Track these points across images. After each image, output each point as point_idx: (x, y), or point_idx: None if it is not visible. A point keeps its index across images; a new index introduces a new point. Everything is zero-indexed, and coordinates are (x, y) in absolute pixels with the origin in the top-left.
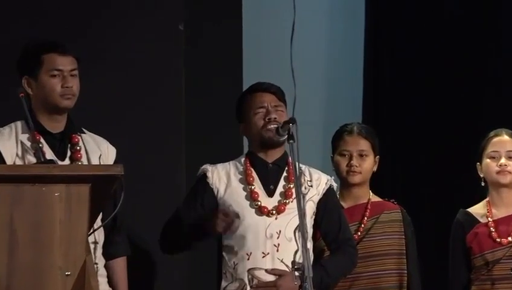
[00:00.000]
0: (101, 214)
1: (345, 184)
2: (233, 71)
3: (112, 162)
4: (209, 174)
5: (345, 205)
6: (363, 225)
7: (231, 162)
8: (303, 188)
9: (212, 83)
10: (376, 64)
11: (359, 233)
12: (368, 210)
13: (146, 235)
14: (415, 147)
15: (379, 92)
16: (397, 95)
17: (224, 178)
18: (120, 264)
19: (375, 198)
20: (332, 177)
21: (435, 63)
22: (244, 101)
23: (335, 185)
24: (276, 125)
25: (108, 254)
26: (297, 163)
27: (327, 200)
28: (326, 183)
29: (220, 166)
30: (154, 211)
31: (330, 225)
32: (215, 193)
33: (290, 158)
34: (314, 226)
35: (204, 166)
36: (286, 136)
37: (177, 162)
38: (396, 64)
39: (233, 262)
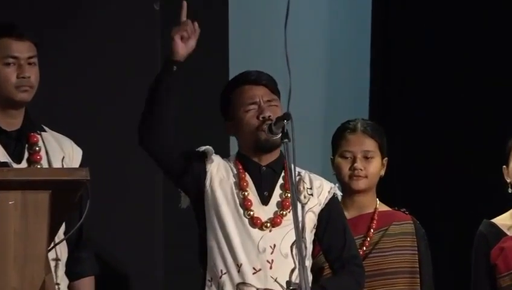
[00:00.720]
0: (63, 226)
1: (348, 191)
2: (218, 58)
3: (77, 165)
4: (212, 157)
5: (347, 215)
6: (368, 239)
7: (226, 160)
8: (302, 197)
9: (194, 72)
10: (385, 50)
11: (364, 248)
12: (375, 221)
13: (117, 251)
14: (430, 147)
15: (389, 83)
16: (410, 86)
17: (224, 173)
18: (86, 285)
19: (382, 207)
20: (337, 185)
21: (456, 50)
22: (230, 96)
23: (339, 194)
24: (271, 122)
25: (73, 273)
26: (293, 166)
27: (330, 211)
28: (329, 191)
29: (221, 159)
30: (127, 223)
31: (334, 240)
32: (206, 177)
33: (286, 162)
34: (314, 241)
35: (208, 147)
36: (280, 135)
37: (153, 166)
38: (409, 49)
39: (221, 271)
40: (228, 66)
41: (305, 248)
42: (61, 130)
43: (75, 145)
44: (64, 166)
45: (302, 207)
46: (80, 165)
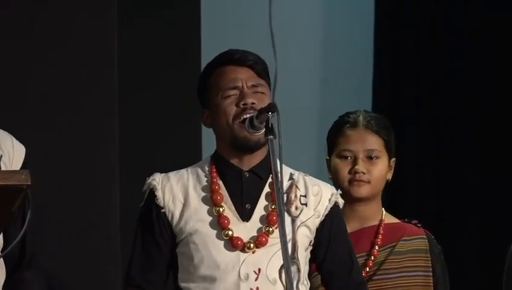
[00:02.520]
0: (1, 243)
1: (347, 199)
2: (188, 34)
3: (19, 166)
4: (158, 193)
5: (347, 228)
6: (373, 257)
7: (191, 168)
8: (293, 208)
9: (158, 56)
10: (392, 29)
11: (367, 269)
12: (380, 236)
13: (70, 269)
14: (448, 145)
15: (396, 68)
16: (423, 72)
17: (180, 195)
18: None
19: (389, 219)
20: (339, 191)
21: (479, 31)
22: (208, 78)
23: (341, 202)
24: (253, 115)
25: None
26: (278, 167)
27: (332, 226)
28: (329, 199)
29: (173, 176)
30: (81, 235)
31: (337, 263)
32: (169, 219)
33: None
34: (311, 261)
35: (151, 178)
36: (263, 131)
37: (108, 167)
38: (420, 29)
39: None
40: (200, 47)
41: (299, 270)
42: (1, 125)
43: (16, 142)
44: (2, 167)
45: (293, 221)
46: (23, 166)
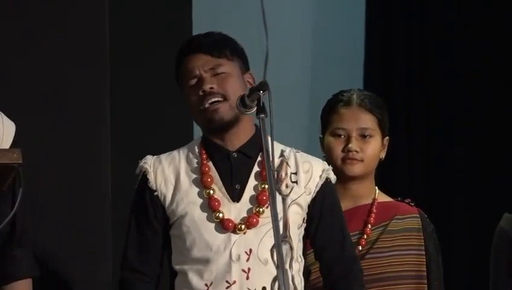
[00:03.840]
0: None
1: (340, 177)
2: (179, 12)
3: (8, 144)
4: (150, 176)
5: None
6: (365, 236)
7: (182, 149)
8: (283, 186)
9: (148, 35)
10: (384, 4)
11: (360, 247)
12: (373, 215)
13: (59, 249)
14: (442, 123)
15: (389, 44)
16: (414, 49)
17: (172, 178)
18: (23, 288)
19: (382, 197)
20: (330, 167)
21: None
22: (179, 75)
23: (333, 178)
24: (213, 100)
25: (6, 274)
26: (270, 146)
27: (323, 202)
28: (320, 176)
29: (165, 159)
30: (71, 215)
31: (329, 238)
32: (162, 201)
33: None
34: (305, 239)
35: (143, 161)
36: (254, 109)
37: (99, 148)
38: (412, 5)
39: None
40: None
41: (291, 248)
42: None
43: (6, 119)
44: None
45: (284, 199)
46: (13, 144)
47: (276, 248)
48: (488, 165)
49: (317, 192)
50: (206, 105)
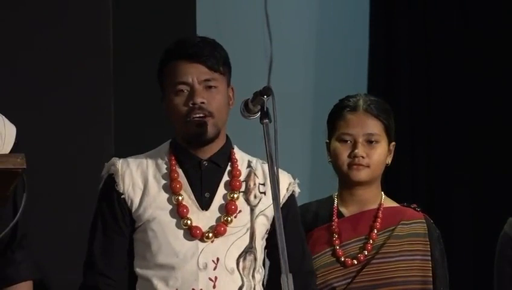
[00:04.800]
0: None
1: (347, 182)
2: (183, 15)
3: (10, 147)
4: (117, 179)
5: (346, 212)
6: (371, 241)
7: (150, 154)
8: (252, 197)
9: (153, 41)
10: (388, 8)
11: (366, 252)
12: (379, 220)
13: (60, 253)
14: (448, 129)
15: (394, 50)
16: (418, 55)
17: (140, 182)
18: None
19: (389, 203)
20: (296, 181)
21: (474, 12)
22: (164, 67)
23: (297, 191)
24: (201, 115)
25: (6, 277)
26: (274, 153)
27: (288, 214)
28: (287, 189)
29: (133, 161)
30: (72, 219)
31: (291, 249)
32: (129, 205)
33: (234, 150)
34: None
35: (110, 163)
36: (258, 114)
37: (102, 151)
38: (414, 11)
39: None
40: (195, 24)
41: (255, 259)
42: None
43: (7, 122)
44: None
45: (252, 210)
46: (14, 147)
47: (281, 255)
48: (492, 170)
49: (283, 204)
50: (193, 118)
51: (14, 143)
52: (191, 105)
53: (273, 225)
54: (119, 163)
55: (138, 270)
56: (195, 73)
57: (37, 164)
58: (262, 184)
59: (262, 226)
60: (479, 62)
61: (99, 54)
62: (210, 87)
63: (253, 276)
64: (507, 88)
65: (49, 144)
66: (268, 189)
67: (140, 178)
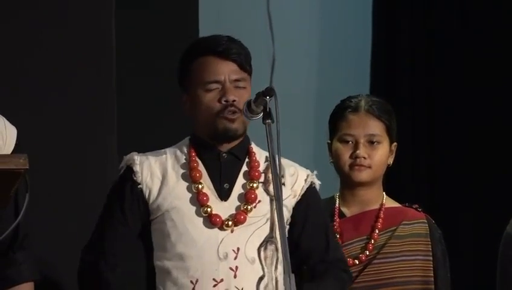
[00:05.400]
0: None
1: (348, 183)
2: (185, 15)
3: (11, 148)
4: (136, 168)
5: (347, 212)
6: (373, 241)
7: (169, 149)
8: (271, 187)
9: (156, 42)
10: (390, 9)
11: (367, 252)
12: (380, 220)
13: (61, 254)
14: (449, 129)
15: (396, 51)
16: (424, 53)
17: (159, 173)
18: None
19: (390, 203)
20: (315, 172)
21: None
22: (190, 64)
23: (317, 183)
24: (234, 111)
25: (8, 278)
26: (276, 152)
27: (308, 205)
28: (305, 180)
29: (152, 156)
30: (74, 217)
31: (314, 241)
32: (146, 196)
33: (252, 146)
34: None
35: (129, 155)
36: (261, 115)
37: (106, 151)
38: (417, 11)
39: None
40: (198, 23)
41: (276, 249)
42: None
43: (8, 124)
44: None
45: (271, 200)
46: (15, 148)
47: (283, 255)
48: (494, 170)
49: (302, 195)
50: (226, 115)
51: (16, 144)
52: (224, 102)
53: (292, 216)
54: (138, 156)
55: (158, 263)
56: (227, 72)
57: (38, 165)
58: (281, 176)
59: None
60: (481, 62)
61: (102, 54)
62: (239, 87)
63: (275, 267)
64: (509, 87)
65: (51, 144)
66: (287, 181)
67: (159, 169)
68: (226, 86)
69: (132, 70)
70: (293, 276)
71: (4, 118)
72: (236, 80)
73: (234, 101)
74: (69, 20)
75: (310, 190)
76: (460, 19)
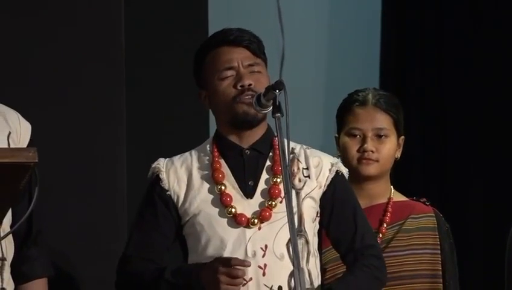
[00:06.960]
0: (10, 219)
1: (356, 177)
2: (195, 9)
3: (25, 143)
4: (163, 175)
5: None
6: (381, 235)
7: (194, 150)
8: (296, 181)
9: (165, 38)
10: (399, 3)
11: None
12: (388, 214)
13: (74, 249)
14: (457, 122)
15: (405, 44)
16: (433, 47)
17: (185, 177)
18: (36, 288)
19: (398, 197)
20: (339, 159)
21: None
22: (203, 60)
23: (345, 170)
24: (252, 95)
25: (21, 274)
26: (286, 146)
27: (335, 193)
28: (330, 169)
29: (177, 160)
30: (86, 213)
31: (342, 228)
32: (175, 201)
33: (276, 139)
34: (321, 232)
35: (155, 163)
36: (270, 108)
37: (115, 147)
38: (428, 5)
39: None
40: (207, 18)
41: (307, 242)
42: (7, 102)
43: (23, 119)
44: (11, 144)
45: (297, 193)
46: (29, 143)
47: (292, 247)
48: (504, 164)
49: (328, 185)
50: (243, 100)
51: (30, 140)
52: (239, 88)
53: (321, 206)
54: (164, 162)
55: (192, 260)
56: (239, 57)
57: (49, 159)
58: (305, 168)
59: (310, 209)
60: (490, 56)
61: (111, 48)
62: (254, 72)
63: (307, 260)
64: None
65: (62, 141)
66: (312, 172)
67: (185, 174)
68: (240, 72)
69: (142, 63)
70: (302, 270)
71: (18, 114)
72: (250, 65)
73: (250, 85)
74: (78, 15)
75: (336, 179)
76: (470, 13)
